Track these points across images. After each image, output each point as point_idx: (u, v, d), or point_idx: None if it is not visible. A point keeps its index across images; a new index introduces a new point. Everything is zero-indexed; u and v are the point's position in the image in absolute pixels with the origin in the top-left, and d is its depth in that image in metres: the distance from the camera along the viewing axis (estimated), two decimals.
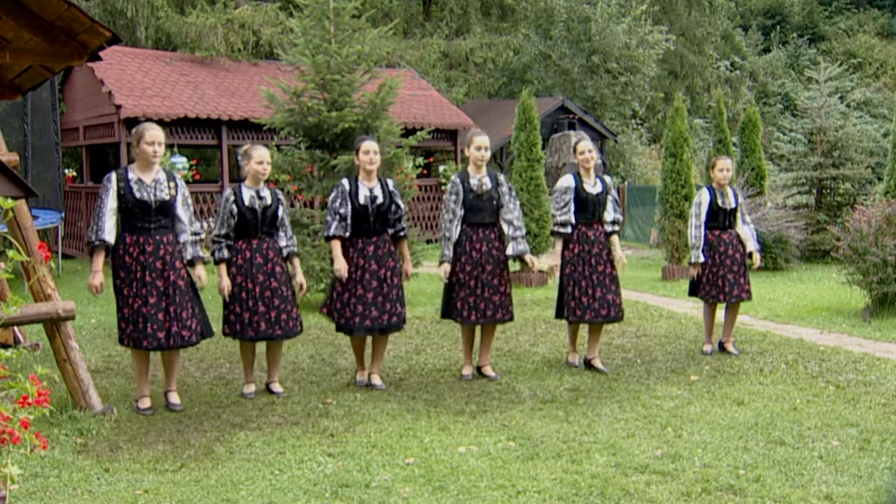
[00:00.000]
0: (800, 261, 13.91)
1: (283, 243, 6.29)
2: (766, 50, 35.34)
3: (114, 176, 5.73)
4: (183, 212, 5.86)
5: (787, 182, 15.51)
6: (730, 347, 7.50)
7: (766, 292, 11.02)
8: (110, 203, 5.66)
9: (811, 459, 4.74)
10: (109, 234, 5.65)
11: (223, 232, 6.09)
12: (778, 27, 36.67)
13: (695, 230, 7.36)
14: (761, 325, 8.85)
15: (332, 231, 6.29)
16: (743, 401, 5.94)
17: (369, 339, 6.66)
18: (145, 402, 5.89)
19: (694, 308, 9.40)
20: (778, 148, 16.32)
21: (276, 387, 6.31)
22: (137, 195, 5.66)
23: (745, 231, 7.53)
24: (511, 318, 6.72)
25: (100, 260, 5.68)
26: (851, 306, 9.69)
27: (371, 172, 6.36)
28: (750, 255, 7.47)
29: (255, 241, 6.14)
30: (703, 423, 5.42)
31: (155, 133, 5.75)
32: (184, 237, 5.87)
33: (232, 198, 6.12)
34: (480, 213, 6.55)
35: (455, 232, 6.52)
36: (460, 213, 6.53)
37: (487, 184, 6.55)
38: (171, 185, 5.80)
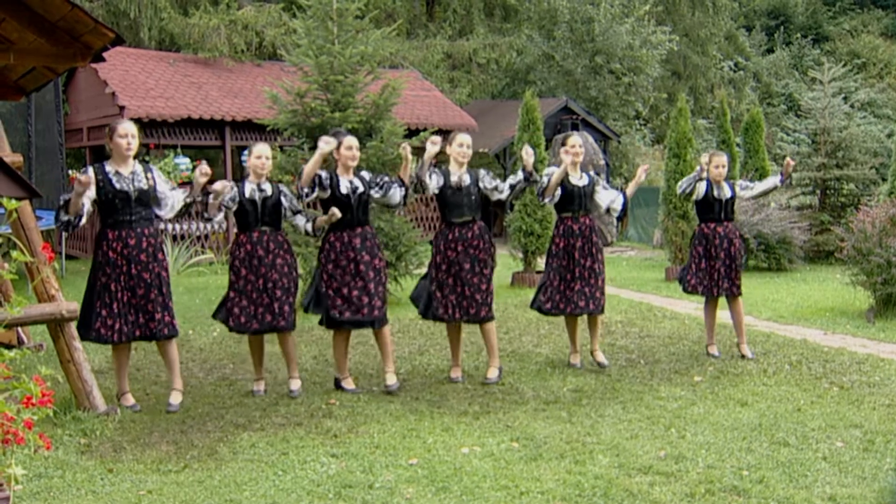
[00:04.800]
0: (803, 261, 13.88)
1: (303, 221, 6.32)
2: (770, 50, 35.28)
3: (91, 169, 5.79)
4: (166, 188, 5.94)
5: (790, 183, 15.48)
6: (745, 350, 7.34)
7: (769, 293, 11.00)
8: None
9: (815, 460, 4.73)
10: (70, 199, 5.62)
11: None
12: (782, 28, 36.60)
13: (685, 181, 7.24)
14: (765, 326, 8.83)
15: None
16: (746, 402, 5.94)
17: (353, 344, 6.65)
18: (129, 400, 5.95)
19: (697, 309, 9.38)
20: (781, 148, 16.31)
21: (294, 384, 6.26)
22: (117, 185, 5.72)
23: (764, 183, 7.54)
24: (491, 317, 6.57)
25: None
26: (855, 307, 9.66)
27: (350, 168, 6.34)
28: (784, 171, 7.32)
29: (255, 233, 6.15)
30: (706, 424, 5.41)
31: (127, 126, 5.83)
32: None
33: (234, 189, 6.17)
34: (459, 208, 6.54)
35: (427, 172, 6.44)
36: (437, 179, 6.52)
37: (467, 180, 6.57)
38: (148, 175, 5.88)
